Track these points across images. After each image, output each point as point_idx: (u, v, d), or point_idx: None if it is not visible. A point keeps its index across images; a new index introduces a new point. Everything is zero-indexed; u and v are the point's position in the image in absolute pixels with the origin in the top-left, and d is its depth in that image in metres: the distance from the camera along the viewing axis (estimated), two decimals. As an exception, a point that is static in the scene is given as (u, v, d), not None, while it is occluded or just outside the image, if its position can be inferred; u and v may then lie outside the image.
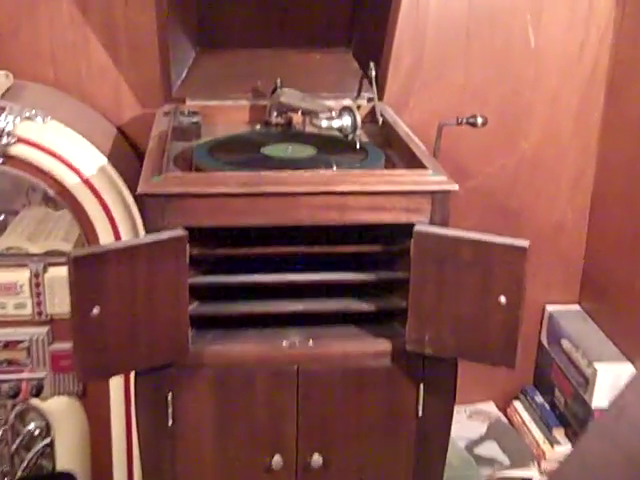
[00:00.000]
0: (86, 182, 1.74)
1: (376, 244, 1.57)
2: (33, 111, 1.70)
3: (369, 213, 1.51)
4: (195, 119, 1.88)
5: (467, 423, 2.41)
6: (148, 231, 1.47)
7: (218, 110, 1.98)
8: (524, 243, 1.43)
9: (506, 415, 2.46)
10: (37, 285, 1.81)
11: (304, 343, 1.59)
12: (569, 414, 2.27)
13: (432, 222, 1.51)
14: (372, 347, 1.61)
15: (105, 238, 1.76)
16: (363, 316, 1.63)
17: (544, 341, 2.43)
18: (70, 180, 1.73)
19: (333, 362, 1.60)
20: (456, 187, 1.50)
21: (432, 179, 1.51)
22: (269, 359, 1.58)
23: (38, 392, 1.89)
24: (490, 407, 2.48)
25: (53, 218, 1.96)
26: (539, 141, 2.27)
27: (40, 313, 1.83)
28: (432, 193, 1.51)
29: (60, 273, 1.76)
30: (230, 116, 1.98)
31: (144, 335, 1.46)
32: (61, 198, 1.76)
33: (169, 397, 1.57)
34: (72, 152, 1.73)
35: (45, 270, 1.81)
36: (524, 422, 2.38)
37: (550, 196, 2.32)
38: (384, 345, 1.60)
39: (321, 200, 1.49)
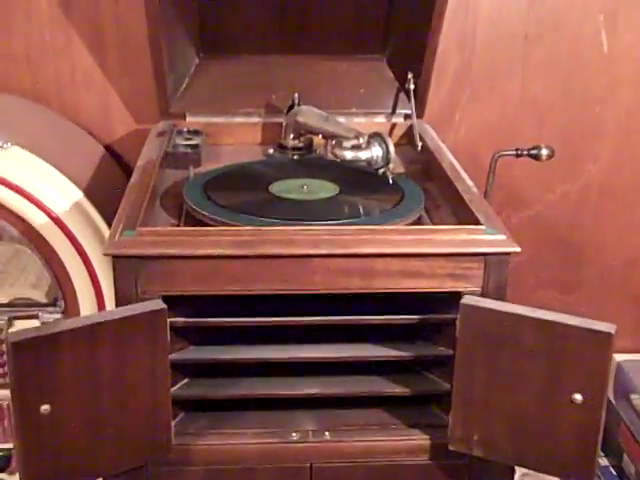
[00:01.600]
0: (56, 221, 1.44)
1: (409, 310, 1.24)
2: (-12, 135, 1.39)
3: (402, 279, 1.19)
4: (195, 141, 1.56)
5: (518, 489, 2.06)
6: (118, 301, 1.16)
7: (224, 128, 1.69)
8: (609, 327, 1.10)
9: (564, 480, 2.10)
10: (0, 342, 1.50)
11: (319, 434, 1.27)
12: (641, 486, 1.93)
13: (485, 292, 1.19)
14: (406, 441, 1.28)
15: (81, 287, 1.49)
16: (392, 397, 1.31)
17: (610, 395, 2.08)
18: (37, 219, 1.43)
19: (355, 459, 1.28)
20: (518, 249, 1.16)
21: (486, 238, 1.17)
22: (275, 455, 1.27)
23: (5, 465, 1.60)
24: (545, 469, 2.12)
25: (25, 258, 1.65)
26: (610, 164, 1.97)
27: (5, 375, 1.53)
28: (485, 255, 1.17)
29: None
30: (239, 136, 1.70)
31: (111, 433, 1.15)
32: (27, 239, 1.45)
33: (147, 501, 1.27)
34: (38, 185, 1.45)
35: (10, 324, 1.51)
36: (587, 490, 2.03)
37: (621, 228, 2.03)
38: (421, 438, 1.28)
39: (340, 263, 1.17)
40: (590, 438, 1.14)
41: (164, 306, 1.13)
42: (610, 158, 1.94)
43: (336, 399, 1.30)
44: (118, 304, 1.16)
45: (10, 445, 1.59)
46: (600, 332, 1.10)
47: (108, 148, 1.79)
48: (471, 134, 1.88)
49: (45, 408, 1.09)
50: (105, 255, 1.14)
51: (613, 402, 2.07)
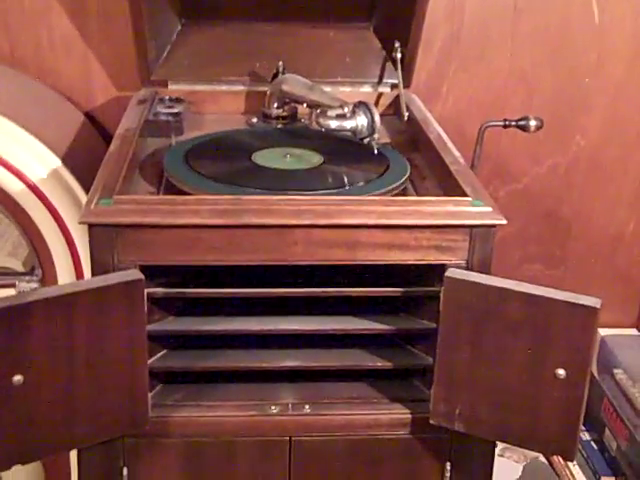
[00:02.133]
0: (34, 189, 1.41)
1: (393, 282, 1.23)
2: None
3: (387, 251, 1.16)
4: (177, 109, 1.53)
5: (499, 463, 2.04)
6: (95, 271, 1.13)
7: (207, 96, 1.65)
8: (594, 302, 1.08)
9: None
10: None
11: (298, 407, 1.25)
12: (622, 461, 1.92)
13: (469, 265, 1.17)
14: (387, 414, 1.26)
15: (59, 256, 1.46)
16: (374, 370, 1.29)
17: (593, 369, 2.07)
18: (14, 186, 1.40)
19: (335, 433, 1.26)
20: (504, 221, 1.14)
21: (472, 210, 1.15)
22: (254, 428, 1.25)
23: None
24: (527, 443, 2.11)
25: (2, 226, 1.62)
26: (598, 138, 1.93)
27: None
28: (471, 228, 1.15)
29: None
30: (222, 104, 1.65)
31: (86, 406, 1.13)
32: (4, 207, 1.42)
33: (124, 473, 1.25)
34: (15, 152, 1.41)
35: (-14, 294, 1.47)
36: (567, 465, 2.02)
37: (609, 203, 2.00)
38: (402, 412, 1.26)
39: (323, 234, 1.14)
40: (572, 414, 1.13)
41: (141, 276, 1.10)
42: (599, 131, 1.91)
43: (317, 372, 1.28)
44: (94, 274, 1.13)
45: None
46: (585, 306, 1.08)
47: (88, 115, 1.74)
48: (459, 105, 1.85)
49: (18, 379, 1.06)
50: (81, 223, 1.11)
51: (596, 377, 2.06)
